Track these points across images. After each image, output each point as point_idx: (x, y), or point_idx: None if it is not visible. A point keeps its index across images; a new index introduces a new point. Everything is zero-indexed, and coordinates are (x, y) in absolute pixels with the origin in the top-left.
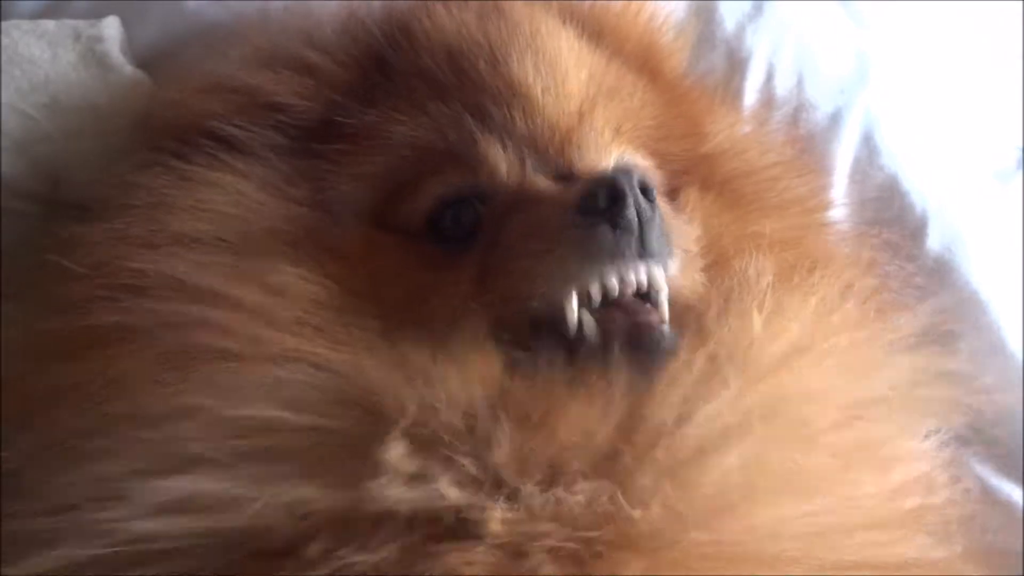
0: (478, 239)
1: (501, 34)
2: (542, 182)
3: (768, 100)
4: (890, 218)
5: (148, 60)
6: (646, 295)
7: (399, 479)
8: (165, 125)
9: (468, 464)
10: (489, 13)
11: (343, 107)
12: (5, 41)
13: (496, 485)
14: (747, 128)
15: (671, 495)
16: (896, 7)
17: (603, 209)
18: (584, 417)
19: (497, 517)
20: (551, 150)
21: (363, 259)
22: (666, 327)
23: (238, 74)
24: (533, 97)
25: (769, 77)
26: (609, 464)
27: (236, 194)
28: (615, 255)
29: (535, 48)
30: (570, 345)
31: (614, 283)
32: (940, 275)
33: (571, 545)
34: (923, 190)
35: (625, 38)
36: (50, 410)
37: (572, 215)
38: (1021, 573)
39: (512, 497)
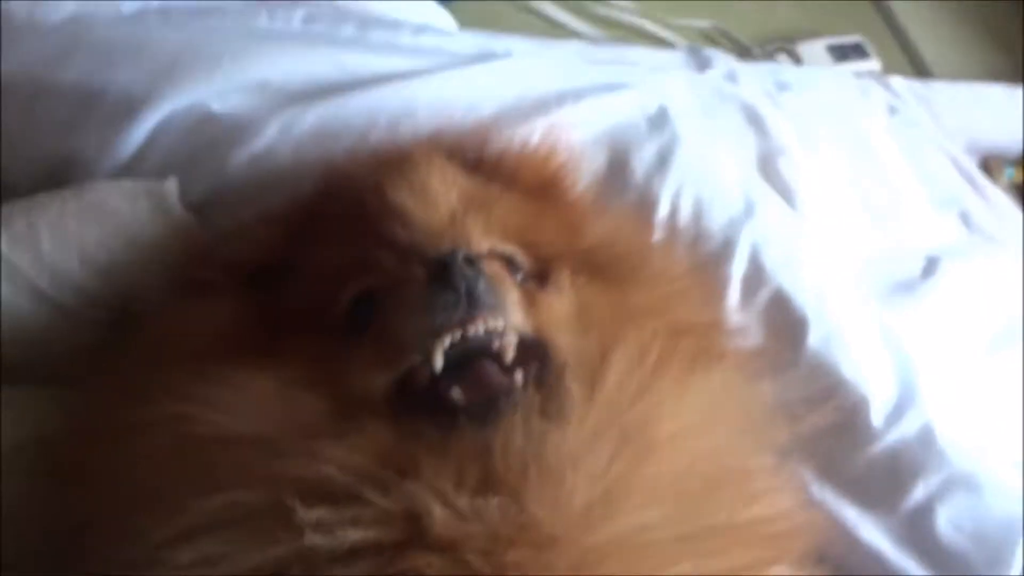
0: (372, 322)
1: (388, 175)
2: (417, 270)
3: (672, 229)
4: (778, 322)
5: (197, 209)
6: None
7: (312, 531)
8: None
9: (364, 510)
10: (387, 162)
11: (283, 256)
12: (95, 196)
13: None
14: (617, 227)
15: (549, 509)
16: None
17: (440, 277)
18: (450, 465)
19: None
20: (429, 249)
21: (301, 356)
22: (514, 387)
23: (212, 243)
24: (408, 213)
25: (673, 213)
26: (497, 488)
27: (209, 323)
28: (449, 308)
29: (410, 180)
30: (441, 411)
31: (458, 331)
32: (816, 366)
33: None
34: (805, 298)
35: (509, 168)
36: (96, 486)
37: (425, 287)
38: None
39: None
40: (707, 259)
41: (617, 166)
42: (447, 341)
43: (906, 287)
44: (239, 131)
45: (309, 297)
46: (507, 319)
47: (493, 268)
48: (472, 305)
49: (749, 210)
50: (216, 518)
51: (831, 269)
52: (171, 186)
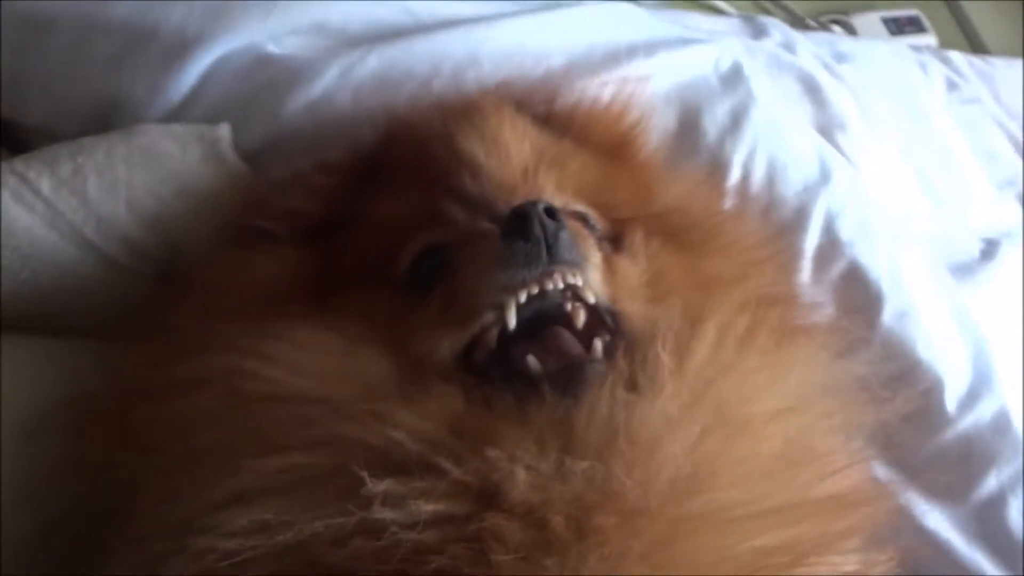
0: (442, 277)
1: (457, 124)
2: (488, 226)
3: (744, 194)
4: (852, 297)
5: (251, 158)
6: (573, 297)
7: (381, 504)
8: (232, 221)
9: (437, 482)
10: (454, 111)
11: (343, 206)
12: (145, 140)
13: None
14: (690, 191)
15: (638, 480)
16: (863, 98)
17: (516, 230)
18: (530, 433)
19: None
20: (499, 204)
21: (363, 312)
22: (596, 360)
23: (268, 192)
24: (479, 164)
25: (745, 177)
26: (582, 456)
27: (268, 275)
28: (529, 262)
29: (481, 130)
30: (516, 378)
31: (535, 286)
32: (891, 345)
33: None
34: (880, 272)
35: (582, 125)
36: (145, 445)
37: (499, 241)
38: None
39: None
40: (780, 228)
41: (688, 125)
42: (523, 296)
43: (965, 270)
44: (296, 75)
45: (371, 250)
46: (586, 278)
47: (573, 224)
48: (552, 258)
49: (825, 176)
50: (274, 481)
51: (904, 243)
52: (224, 131)
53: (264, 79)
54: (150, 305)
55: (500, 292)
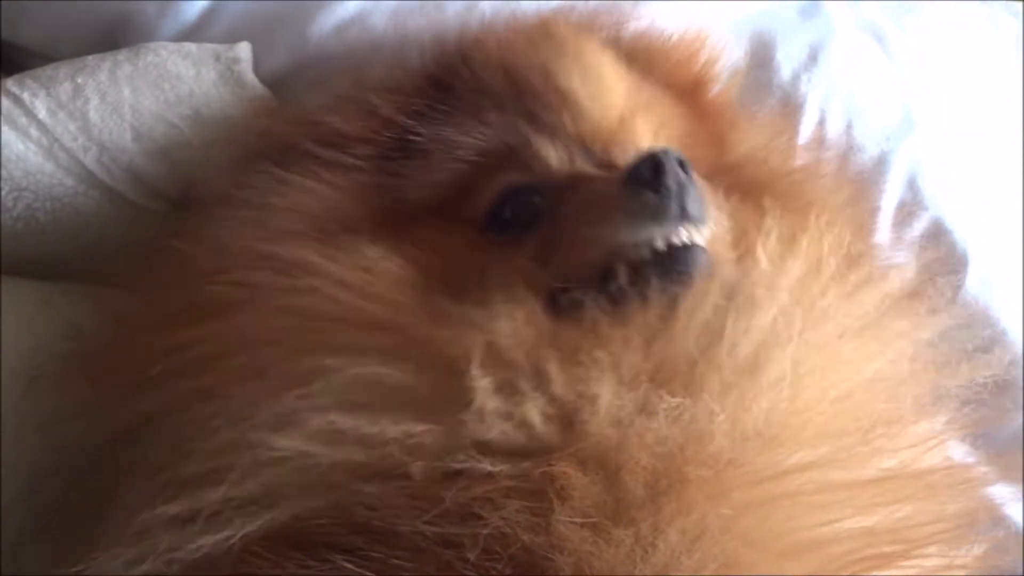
0: (536, 224)
1: (551, 53)
2: (591, 170)
3: (819, 140)
4: (936, 257)
5: (273, 83)
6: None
7: (486, 415)
8: (268, 141)
9: (539, 396)
10: (539, 37)
11: (407, 131)
12: (154, 59)
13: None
14: (769, 140)
15: (731, 415)
16: (932, 48)
17: (647, 179)
18: (627, 349)
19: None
20: (596, 149)
21: (434, 247)
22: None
23: (318, 113)
24: (580, 103)
25: (821, 121)
26: (673, 385)
27: (324, 199)
28: (658, 216)
29: (581, 64)
30: (615, 292)
31: (660, 241)
32: (975, 310)
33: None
34: (965, 232)
35: (660, 64)
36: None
37: (620, 187)
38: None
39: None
40: (859, 183)
41: (759, 60)
42: (646, 253)
43: None
44: None
45: (442, 183)
46: (705, 237)
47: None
48: (682, 214)
49: (909, 124)
50: (349, 391)
51: (993, 203)
52: (244, 51)
53: None
54: (162, 252)
55: (619, 243)
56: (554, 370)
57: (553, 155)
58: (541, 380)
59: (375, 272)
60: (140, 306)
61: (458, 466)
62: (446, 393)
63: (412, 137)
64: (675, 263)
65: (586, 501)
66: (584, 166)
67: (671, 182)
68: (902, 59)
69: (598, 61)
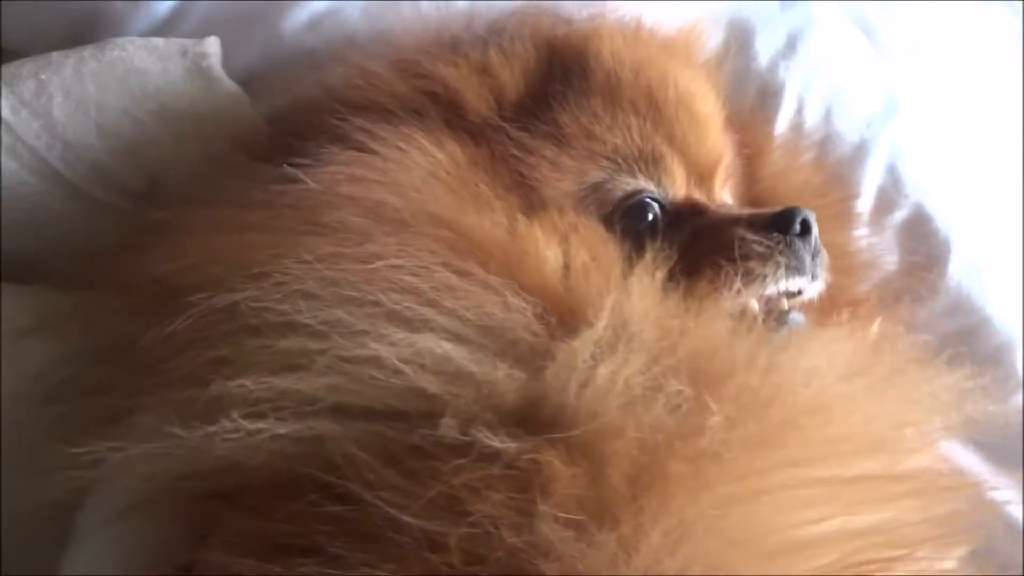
0: (656, 238)
1: (685, 71)
2: (704, 200)
3: (796, 129)
4: (917, 243)
5: (245, 79)
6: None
7: (580, 376)
8: (372, 91)
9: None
10: (675, 53)
11: (538, 109)
12: (120, 54)
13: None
14: (782, 162)
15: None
16: (924, 42)
17: (795, 231)
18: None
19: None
20: (702, 179)
21: (573, 235)
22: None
23: (425, 62)
24: (710, 132)
25: (799, 109)
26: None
27: (447, 164)
28: (803, 268)
29: (708, 98)
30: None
31: (795, 288)
32: (959, 298)
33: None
34: (948, 218)
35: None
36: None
37: (765, 227)
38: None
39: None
40: (836, 174)
41: (738, 48)
42: (782, 292)
43: None
44: None
45: (569, 169)
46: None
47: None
48: (803, 270)
49: (891, 108)
50: (458, 316)
51: (976, 188)
52: (213, 46)
53: None
54: (130, 252)
55: (768, 281)
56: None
57: (681, 175)
58: (635, 350)
59: (522, 236)
60: (246, 213)
61: (470, 438)
62: (551, 340)
63: (546, 120)
64: (789, 315)
65: (569, 496)
66: (697, 194)
67: (817, 242)
68: (891, 50)
69: (712, 97)
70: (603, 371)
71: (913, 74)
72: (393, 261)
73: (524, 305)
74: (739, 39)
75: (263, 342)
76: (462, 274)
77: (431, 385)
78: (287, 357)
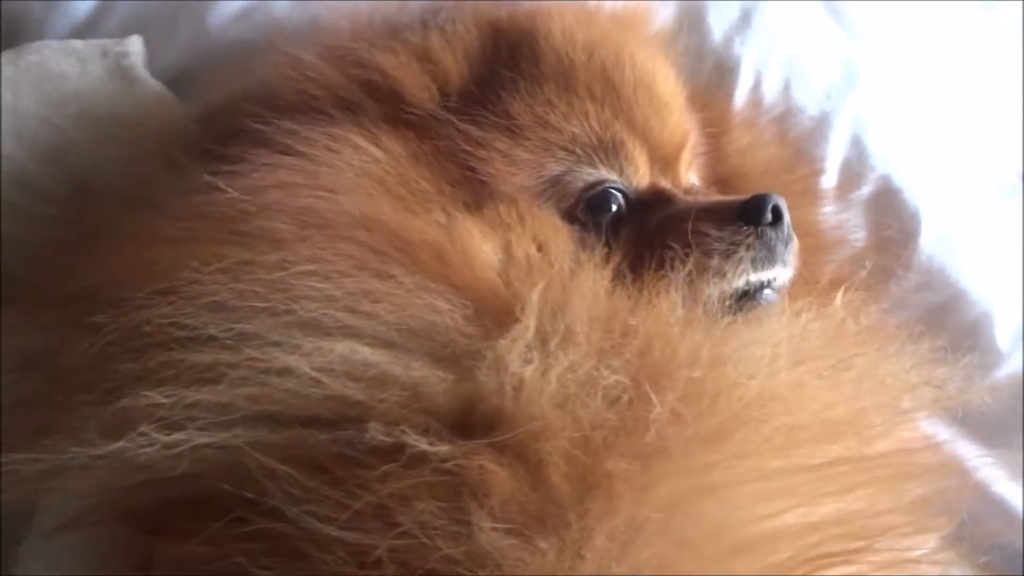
0: (621, 230)
1: (646, 57)
2: (670, 187)
3: (755, 105)
4: (887, 218)
5: (173, 78)
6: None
7: (512, 377)
8: (307, 85)
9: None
10: (629, 29)
11: (471, 96)
12: (36, 58)
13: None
14: (746, 139)
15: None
16: (890, 14)
17: (767, 221)
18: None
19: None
20: (667, 163)
21: (518, 227)
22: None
23: (361, 49)
24: (672, 113)
25: (757, 84)
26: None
27: (387, 162)
28: (775, 259)
29: (668, 76)
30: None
31: (766, 279)
32: (931, 272)
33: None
34: (917, 190)
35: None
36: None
37: (733, 219)
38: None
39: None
40: (797, 150)
41: (690, 24)
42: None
43: (1006, 191)
44: None
45: (524, 161)
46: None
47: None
48: (774, 260)
49: (851, 80)
50: (382, 320)
51: (945, 158)
52: (134, 44)
53: None
54: (61, 259)
55: (738, 272)
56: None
57: (644, 162)
58: (569, 345)
59: (456, 233)
60: (165, 224)
61: (398, 440)
62: (483, 340)
63: (496, 110)
64: (760, 296)
65: (507, 501)
66: (662, 181)
67: (789, 230)
68: (858, 27)
69: (665, 64)
70: (535, 369)
71: (879, 47)
72: (306, 267)
73: (451, 307)
74: (691, 15)
75: (174, 356)
76: (382, 276)
77: (354, 392)
78: (200, 371)
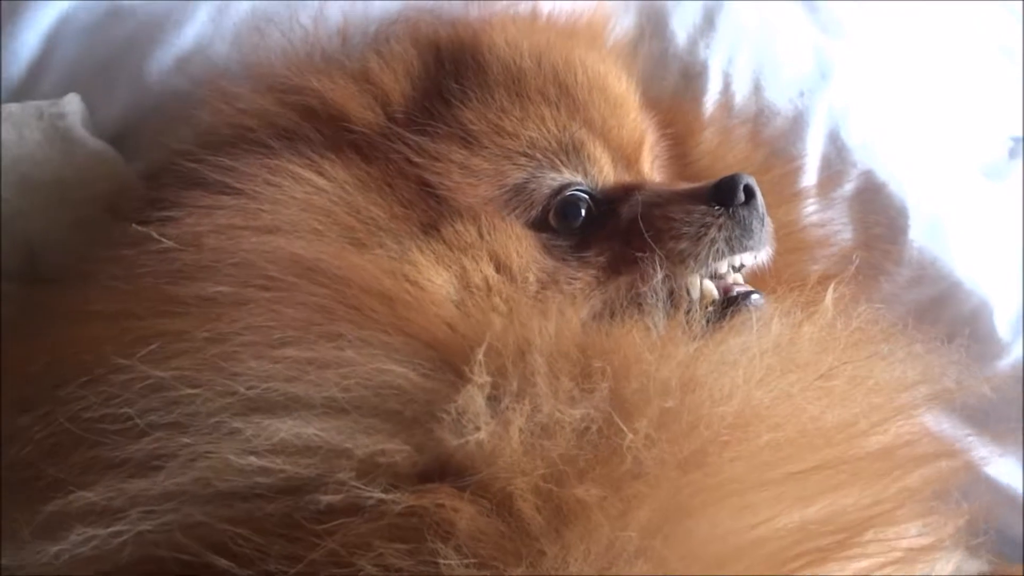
0: (595, 231)
1: (596, 61)
2: (635, 182)
3: (726, 107)
4: (873, 213)
5: (116, 134)
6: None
7: (471, 426)
8: (246, 118)
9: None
10: (577, 37)
11: (419, 109)
12: None
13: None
14: (716, 141)
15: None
16: (859, 5)
17: (739, 201)
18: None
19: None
20: (627, 160)
21: (477, 247)
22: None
23: (296, 77)
24: (628, 112)
25: (726, 86)
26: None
27: (334, 192)
28: (752, 236)
29: (620, 77)
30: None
31: (745, 261)
32: (924, 266)
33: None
34: (901, 181)
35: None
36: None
37: (709, 209)
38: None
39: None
40: (772, 149)
41: (653, 30)
42: (732, 266)
43: (992, 171)
44: (156, 25)
45: (485, 172)
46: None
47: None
48: (749, 242)
49: (824, 74)
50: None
51: (927, 145)
52: (72, 104)
53: (120, 35)
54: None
55: (715, 257)
56: (545, 382)
57: (607, 161)
58: (528, 391)
59: (418, 284)
60: (97, 296)
61: (355, 500)
62: (441, 391)
63: (447, 120)
64: (746, 302)
65: (473, 535)
66: (627, 177)
67: (762, 208)
68: (827, 18)
69: (616, 67)
70: (496, 425)
71: (850, 39)
72: (245, 338)
73: (403, 365)
74: (653, 21)
75: (106, 453)
76: (329, 337)
77: (306, 469)
78: (136, 463)
